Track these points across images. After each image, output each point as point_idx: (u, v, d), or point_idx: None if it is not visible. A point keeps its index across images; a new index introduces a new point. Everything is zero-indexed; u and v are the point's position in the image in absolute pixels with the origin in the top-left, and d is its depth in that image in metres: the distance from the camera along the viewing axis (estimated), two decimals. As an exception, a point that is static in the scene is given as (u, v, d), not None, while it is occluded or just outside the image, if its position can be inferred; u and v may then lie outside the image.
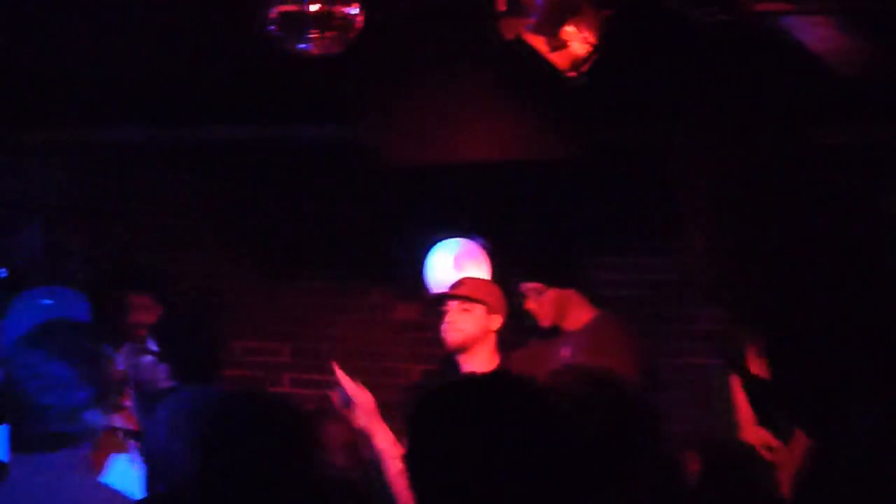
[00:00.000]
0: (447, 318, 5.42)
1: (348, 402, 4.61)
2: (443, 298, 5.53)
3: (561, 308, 5.59)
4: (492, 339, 5.42)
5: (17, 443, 3.37)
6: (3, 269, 7.32)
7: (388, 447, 4.39)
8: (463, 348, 5.37)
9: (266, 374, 7.31)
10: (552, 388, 2.95)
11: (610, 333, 5.41)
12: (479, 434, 2.27)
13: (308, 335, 7.25)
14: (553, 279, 5.63)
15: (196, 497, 2.77)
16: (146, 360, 5.95)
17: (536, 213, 6.65)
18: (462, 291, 5.49)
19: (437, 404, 2.40)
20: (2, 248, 7.50)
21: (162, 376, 5.89)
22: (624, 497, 2.97)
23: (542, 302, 5.59)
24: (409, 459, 2.36)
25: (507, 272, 5.96)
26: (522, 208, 6.66)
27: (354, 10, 4.12)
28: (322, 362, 7.05)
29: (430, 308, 5.71)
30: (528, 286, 5.64)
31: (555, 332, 5.66)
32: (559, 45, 4.39)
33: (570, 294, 5.59)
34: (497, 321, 5.44)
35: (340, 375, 4.69)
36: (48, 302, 4.10)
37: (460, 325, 5.38)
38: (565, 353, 5.39)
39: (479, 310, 5.40)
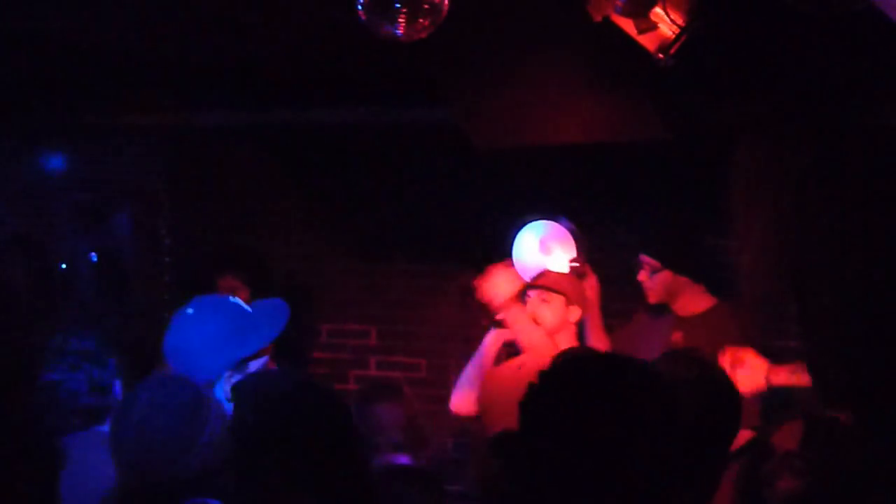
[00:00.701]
0: (526, 310, 5.43)
1: None
2: (523, 289, 5.54)
3: (672, 292, 5.60)
4: (571, 330, 5.40)
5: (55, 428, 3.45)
6: (94, 254, 7.44)
7: None
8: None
9: (352, 357, 7.36)
10: (659, 370, 2.97)
11: (725, 326, 5.38)
12: (588, 412, 2.30)
13: (395, 318, 7.28)
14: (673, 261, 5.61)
15: (232, 479, 2.77)
16: None
17: (623, 196, 6.62)
18: (541, 282, 5.49)
19: (548, 384, 2.43)
20: (93, 233, 7.61)
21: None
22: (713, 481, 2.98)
23: (654, 280, 5.58)
24: (521, 440, 2.38)
25: (592, 255, 5.96)
26: (609, 191, 6.64)
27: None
28: (411, 345, 7.14)
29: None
30: (647, 260, 5.65)
31: (663, 310, 5.63)
32: (648, 26, 4.37)
33: (686, 281, 5.57)
34: (576, 313, 5.43)
35: None
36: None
37: (539, 315, 5.38)
38: (677, 337, 5.37)
39: (557, 301, 5.40)
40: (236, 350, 3.68)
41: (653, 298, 5.62)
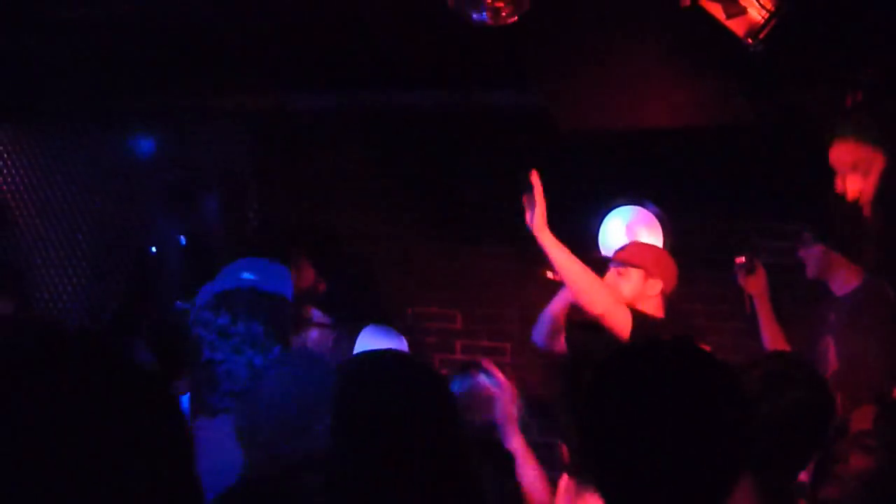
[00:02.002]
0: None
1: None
2: (601, 263, 5.51)
3: (825, 266, 5.46)
4: (653, 303, 5.34)
5: (202, 408, 3.48)
6: (182, 237, 7.53)
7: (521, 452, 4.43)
8: None
9: (438, 340, 7.39)
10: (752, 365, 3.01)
11: (872, 308, 5.27)
12: (648, 399, 2.31)
13: (481, 302, 7.30)
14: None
15: (335, 460, 2.78)
16: (314, 334, 5.98)
17: (711, 181, 6.59)
18: (618, 256, 5.46)
19: (607, 370, 2.44)
20: (182, 216, 7.70)
21: (328, 344, 5.91)
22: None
23: (809, 254, 5.50)
24: (582, 423, 2.41)
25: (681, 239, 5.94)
26: (698, 175, 6.61)
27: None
28: (496, 328, 7.15)
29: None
30: (804, 235, 5.57)
31: (825, 291, 5.55)
32: (737, 11, 4.34)
33: (836, 256, 5.43)
34: (655, 286, 5.34)
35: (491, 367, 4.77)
36: (250, 276, 4.20)
37: (616, 288, 5.36)
38: (832, 319, 5.33)
39: (635, 274, 5.35)
40: None
41: (809, 273, 5.52)
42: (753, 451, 2.64)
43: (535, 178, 5.06)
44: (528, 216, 5.16)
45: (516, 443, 4.38)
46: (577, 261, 5.12)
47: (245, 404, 3.12)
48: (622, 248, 5.57)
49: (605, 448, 2.34)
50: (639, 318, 5.02)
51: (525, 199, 5.09)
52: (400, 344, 5.06)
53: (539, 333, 5.67)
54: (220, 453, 3.15)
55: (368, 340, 4.95)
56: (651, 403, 2.30)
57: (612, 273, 5.40)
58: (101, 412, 1.57)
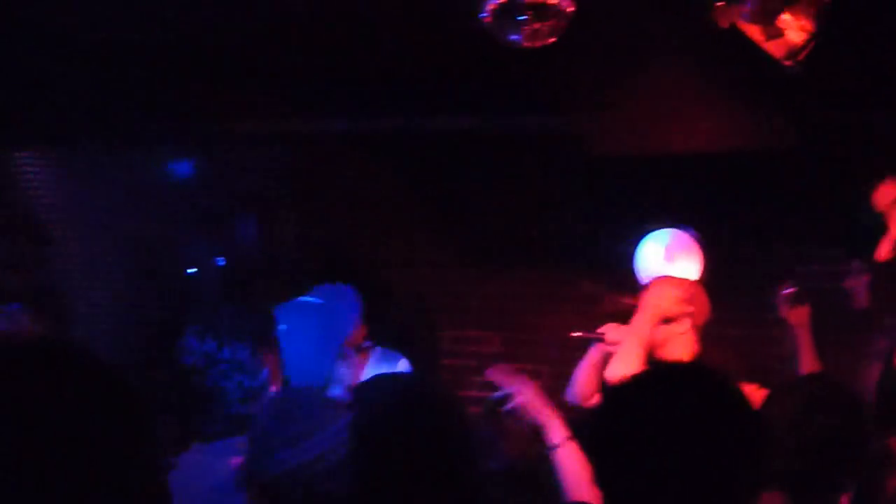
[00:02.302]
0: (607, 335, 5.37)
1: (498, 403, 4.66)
2: (619, 307, 5.47)
3: (878, 292, 5.33)
4: (686, 339, 5.24)
5: (197, 433, 3.49)
6: (221, 258, 7.55)
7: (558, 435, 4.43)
8: (651, 350, 5.27)
9: (476, 364, 7.35)
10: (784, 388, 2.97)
11: None
12: (662, 423, 2.29)
13: (519, 325, 7.28)
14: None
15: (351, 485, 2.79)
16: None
17: (749, 204, 6.54)
18: (630, 298, 5.39)
19: (624, 394, 2.43)
20: (220, 238, 7.73)
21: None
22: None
23: (858, 283, 5.42)
24: (595, 447, 2.39)
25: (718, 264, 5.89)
26: (737, 199, 6.56)
27: (565, 0, 4.13)
28: (534, 351, 7.12)
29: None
30: (854, 265, 5.44)
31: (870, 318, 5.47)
32: (775, 33, 4.30)
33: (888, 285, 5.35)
34: (682, 322, 5.26)
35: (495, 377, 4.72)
36: (317, 301, 4.18)
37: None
38: (881, 346, 5.24)
39: None
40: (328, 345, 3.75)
41: (861, 302, 5.43)
42: (790, 474, 2.61)
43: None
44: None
45: (559, 433, 4.38)
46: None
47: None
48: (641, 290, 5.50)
49: (617, 475, 2.33)
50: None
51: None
52: (404, 366, 5.07)
53: (573, 394, 5.60)
54: (215, 477, 3.22)
55: (374, 364, 4.93)
56: (659, 427, 2.29)
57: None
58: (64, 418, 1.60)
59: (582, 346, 6.67)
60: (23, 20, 5.71)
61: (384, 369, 4.82)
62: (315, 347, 3.98)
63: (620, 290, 6.60)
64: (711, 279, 5.64)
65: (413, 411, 2.77)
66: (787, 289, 5.58)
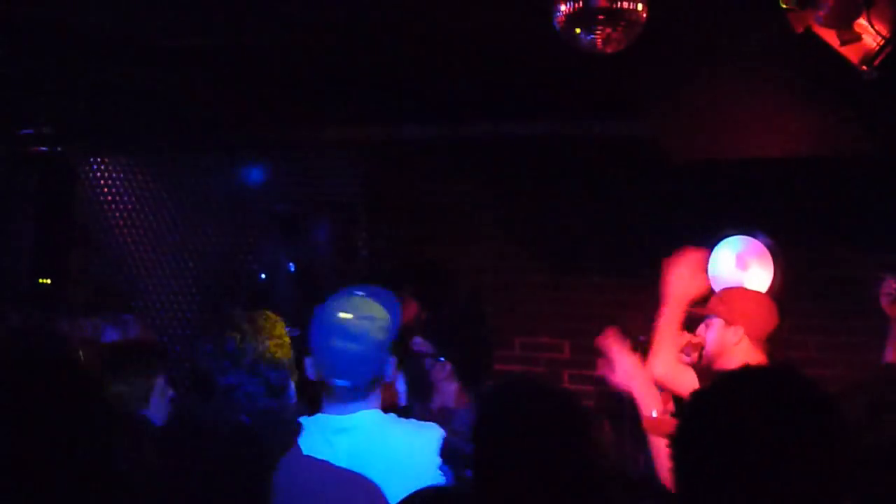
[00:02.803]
0: (697, 332, 5.33)
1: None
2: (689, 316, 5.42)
3: None
4: (742, 350, 5.18)
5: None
6: (292, 264, 7.59)
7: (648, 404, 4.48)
8: (707, 362, 5.23)
9: (546, 370, 7.35)
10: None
11: None
12: (741, 424, 2.27)
13: (589, 331, 7.23)
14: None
15: (477, 487, 2.81)
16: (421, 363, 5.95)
17: (824, 211, 6.49)
18: (699, 308, 5.35)
19: (704, 397, 2.42)
20: (292, 244, 7.76)
21: (441, 376, 5.88)
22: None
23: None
24: (676, 445, 2.38)
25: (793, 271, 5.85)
26: (811, 206, 6.51)
27: (639, 5, 4.11)
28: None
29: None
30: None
31: None
32: (851, 38, 4.26)
33: None
34: (737, 332, 5.19)
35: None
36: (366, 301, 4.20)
37: (702, 340, 5.26)
38: None
39: (717, 323, 5.23)
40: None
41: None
42: (859, 482, 2.58)
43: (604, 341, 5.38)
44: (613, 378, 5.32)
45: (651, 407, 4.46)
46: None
47: None
48: (711, 299, 5.44)
49: (697, 477, 2.31)
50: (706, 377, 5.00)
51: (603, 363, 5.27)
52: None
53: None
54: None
55: None
56: (743, 430, 2.26)
57: (701, 326, 5.31)
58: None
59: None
60: (98, 28, 5.78)
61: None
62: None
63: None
64: (783, 286, 5.60)
65: (548, 414, 2.78)
66: (888, 283, 5.45)
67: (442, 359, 5.34)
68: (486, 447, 2.79)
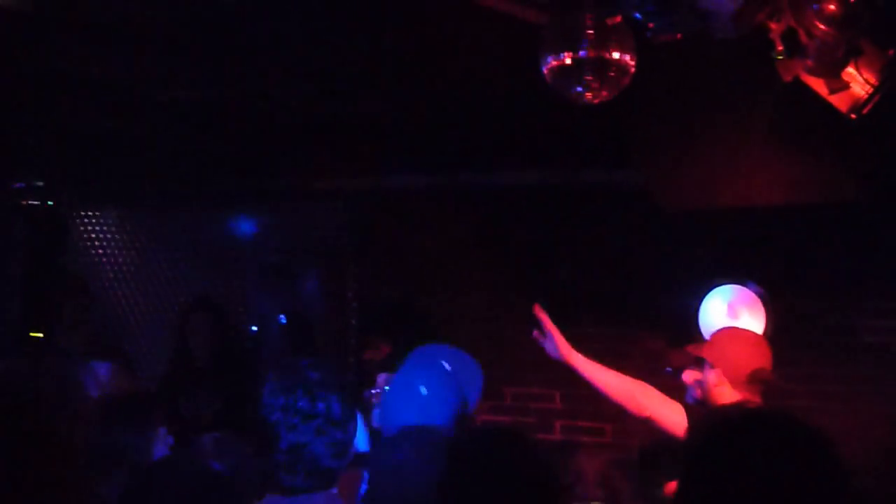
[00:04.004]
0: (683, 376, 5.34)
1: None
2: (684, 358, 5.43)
3: None
4: (722, 392, 5.15)
5: (276, 486, 3.50)
6: (283, 316, 7.58)
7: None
8: (703, 401, 5.23)
9: (537, 421, 7.33)
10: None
11: None
12: (748, 467, 2.27)
13: (580, 381, 7.22)
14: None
15: None
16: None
17: (815, 259, 6.50)
18: (688, 348, 5.37)
19: (708, 437, 2.41)
20: (282, 295, 7.75)
21: None
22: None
23: None
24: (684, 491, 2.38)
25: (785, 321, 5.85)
26: (801, 254, 6.53)
27: (628, 56, 4.14)
28: (596, 409, 7.08)
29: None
30: None
31: None
32: (839, 86, 4.28)
33: None
34: (715, 377, 5.12)
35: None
36: (447, 367, 4.20)
37: (694, 382, 5.26)
38: None
39: (704, 366, 5.23)
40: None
41: None
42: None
43: (539, 312, 5.36)
44: (549, 349, 5.46)
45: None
46: (612, 372, 5.43)
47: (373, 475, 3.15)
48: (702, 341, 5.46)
49: None
50: (694, 413, 4.98)
51: (536, 334, 5.34)
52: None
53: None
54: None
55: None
56: (745, 474, 2.27)
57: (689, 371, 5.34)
58: None
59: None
60: (87, 79, 5.80)
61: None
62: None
63: (684, 346, 6.58)
64: (775, 335, 5.60)
65: (513, 463, 2.77)
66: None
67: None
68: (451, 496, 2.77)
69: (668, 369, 5.55)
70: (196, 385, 7.01)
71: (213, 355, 7.25)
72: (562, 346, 5.34)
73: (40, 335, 8.06)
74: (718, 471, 2.30)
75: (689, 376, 5.32)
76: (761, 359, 5.22)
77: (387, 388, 4.43)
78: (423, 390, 3.86)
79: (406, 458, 3.38)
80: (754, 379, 5.15)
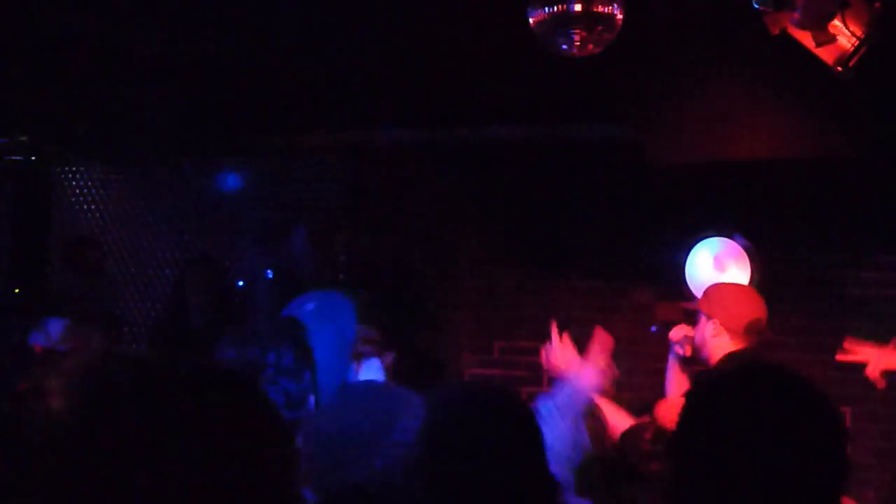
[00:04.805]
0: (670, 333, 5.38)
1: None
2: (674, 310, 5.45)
3: None
4: (720, 343, 5.15)
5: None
6: (269, 271, 7.58)
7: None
8: (694, 354, 5.26)
9: (527, 374, 7.34)
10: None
11: None
12: (744, 420, 2.28)
13: (569, 335, 7.24)
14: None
15: (422, 490, 2.77)
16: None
17: (802, 213, 6.51)
18: (685, 301, 5.38)
19: (706, 395, 2.42)
20: (270, 251, 7.75)
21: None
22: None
23: None
24: (678, 444, 2.38)
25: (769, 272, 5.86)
26: (788, 207, 6.54)
27: (615, 9, 4.12)
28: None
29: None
30: None
31: None
32: (826, 39, 4.27)
33: None
34: (713, 328, 5.15)
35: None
36: (311, 306, 4.20)
37: (691, 333, 5.31)
38: None
39: (700, 317, 5.25)
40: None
41: None
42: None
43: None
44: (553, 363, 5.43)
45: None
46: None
47: (303, 439, 3.13)
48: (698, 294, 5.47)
49: (699, 477, 2.31)
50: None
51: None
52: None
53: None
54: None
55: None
56: (744, 428, 2.28)
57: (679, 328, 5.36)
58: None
59: (633, 357, 6.68)
60: (78, 37, 5.77)
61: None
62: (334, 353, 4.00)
63: (672, 299, 6.60)
64: (763, 287, 5.61)
65: (491, 417, 2.75)
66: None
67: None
68: (434, 453, 2.75)
69: (654, 328, 5.55)
70: (188, 342, 7.02)
71: (206, 312, 7.26)
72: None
73: (18, 291, 8.07)
74: (718, 425, 2.31)
75: (677, 333, 5.35)
76: (758, 310, 5.26)
77: None
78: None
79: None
80: (751, 329, 5.18)
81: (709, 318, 5.22)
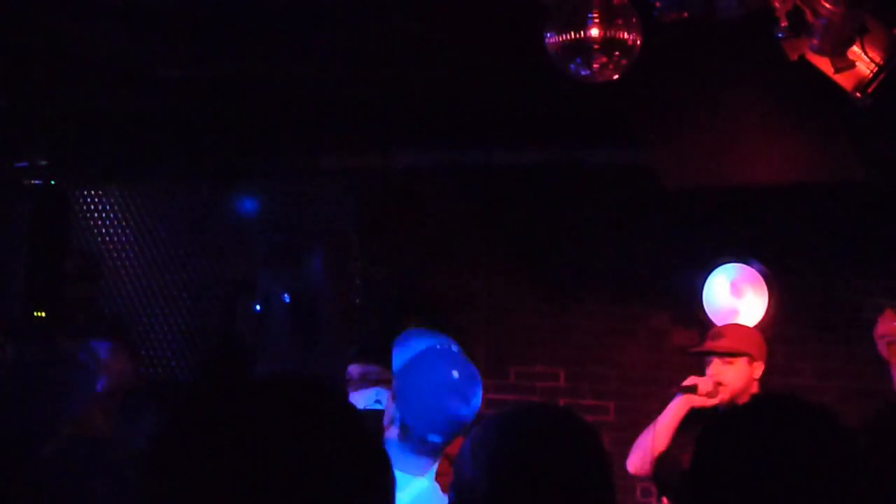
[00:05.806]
0: (709, 373, 5.23)
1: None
2: (705, 354, 5.33)
3: None
4: (755, 386, 5.21)
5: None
6: (286, 295, 7.57)
7: None
8: (733, 399, 5.18)
9: (541, 399, 7.33)
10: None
11: None
12: (764, 455, 2.26)
13: (584, 360, 7.24)
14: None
15: None
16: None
17: (819, 238, 6.50)
18: (723, 345, 5.25)
19: (723, 426, 2.40)
20: (286, 274, 7.75)
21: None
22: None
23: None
24: (695, 480, 2.37)
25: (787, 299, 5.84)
26: (805, 232, 6.52)
27: (633, 34, 4.13)
28: (599, 387, 7.08)
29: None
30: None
31: None
32: (845, 65, 4.26)
33: None
34: (760, 368, 5.20)
35: None
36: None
37: (724, 379, 5.18)
38: None
39: (741, 361, 5.21)
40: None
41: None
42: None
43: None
44: None
45: None
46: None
47: None
48: (722, 336, 5.35)
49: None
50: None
51: None
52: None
53: (634, 464, 5.31)
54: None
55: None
56: (760, 460, 2.25)
57: (717, 363, 5.24)
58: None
59: (649, 382, 6.67)
60: (92, 58, 5.79)
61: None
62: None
63: (688, 325, 6.59)
64: (781, 313, 5.61)
65: (563, 442, 2.74)
66: (883, 324, 5.07)
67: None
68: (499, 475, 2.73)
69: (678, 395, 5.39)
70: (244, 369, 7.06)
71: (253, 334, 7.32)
72: None
73: (43, 314, 8.07)
74: (730, 455, 2.30)
75: (705, 385, 5.20)
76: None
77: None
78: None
79: None
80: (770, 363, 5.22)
81: (753, 359, 5.19)
